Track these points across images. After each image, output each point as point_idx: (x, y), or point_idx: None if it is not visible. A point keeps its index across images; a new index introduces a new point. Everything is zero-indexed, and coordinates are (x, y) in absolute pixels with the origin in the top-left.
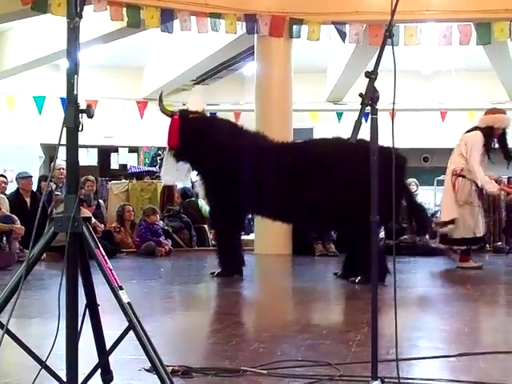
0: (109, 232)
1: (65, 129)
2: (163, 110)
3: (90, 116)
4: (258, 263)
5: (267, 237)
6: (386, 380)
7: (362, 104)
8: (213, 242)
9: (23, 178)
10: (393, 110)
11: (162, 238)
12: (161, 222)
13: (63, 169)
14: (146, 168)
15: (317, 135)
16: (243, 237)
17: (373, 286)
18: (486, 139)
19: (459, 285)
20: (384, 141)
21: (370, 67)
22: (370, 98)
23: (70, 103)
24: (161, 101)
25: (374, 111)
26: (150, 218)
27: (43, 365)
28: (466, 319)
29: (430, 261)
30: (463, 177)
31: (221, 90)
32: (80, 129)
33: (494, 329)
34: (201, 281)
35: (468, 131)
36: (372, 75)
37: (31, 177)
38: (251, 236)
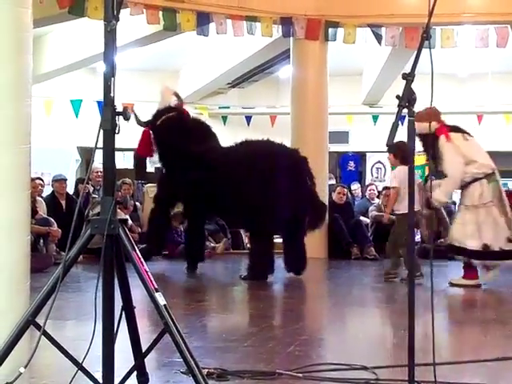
0: (144, 234)
1: (101, 131)
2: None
3: (127, 118)
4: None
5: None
6: None
7: (398, 106)
8: (248, 245)
9: (57, 180)
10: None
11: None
12: None
13: (100, 172)
14: None
15: (352, 138)
16: (279, 240)
17: (409, 290)
18: None
19: (496, 289)
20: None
21: (406, 70)
22: (407, 99)
23: (107, 105)
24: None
25: (411, 113)
26: (174, 223)
27: (79, 366)
28: (503, 324)
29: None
30: None
31: (256, 93)
32: (117, 131)
33: None
34: (236, 284)
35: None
36: (409, 77)
37: (65, 179)
38: None
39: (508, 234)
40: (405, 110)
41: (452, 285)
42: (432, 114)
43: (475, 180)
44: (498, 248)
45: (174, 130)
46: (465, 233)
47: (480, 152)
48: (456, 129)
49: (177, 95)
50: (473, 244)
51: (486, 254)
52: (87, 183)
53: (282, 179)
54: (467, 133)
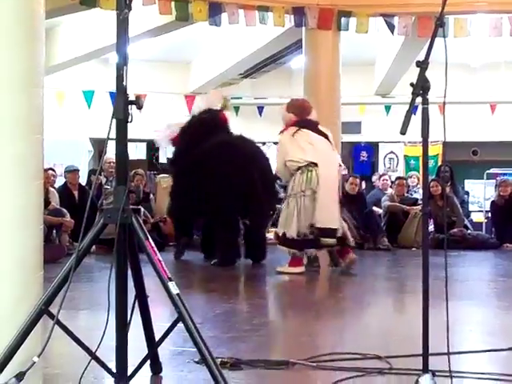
0: (157, 224)
1: (114, 120)
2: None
3: (140, 107)
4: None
5: None
6: (436, 373)
7: (413, 94)
8: None
9: (70, 171)
10: (444, 102)
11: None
12: None
13: (113, 162)
14: None
15: (365, 129)
16: None
17: (423, 279)
18: None
19: (509, 278)
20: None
21: (419, 60)
22: (421, 87)
23: (120, 94)
24: None
25: (425, 101)
26: None
27: (93, 356)
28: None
29: (480, 254)
30: None
31: (268, 83)
32: (129, 120)
33: None
34: (249, 274)
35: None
36: (423, 65)
37: (78, 170)
38: None
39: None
40: (418, 99)
41: (278, 272)
42: (297, 106)
43: (293, 173)
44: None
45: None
46: (282, 222)
47: (300, 148)
48: (301, 124)
49: (225, 103)
50: (289, 233)
51: (296, 241)
52: (99, 174)
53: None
54: (314, 129)
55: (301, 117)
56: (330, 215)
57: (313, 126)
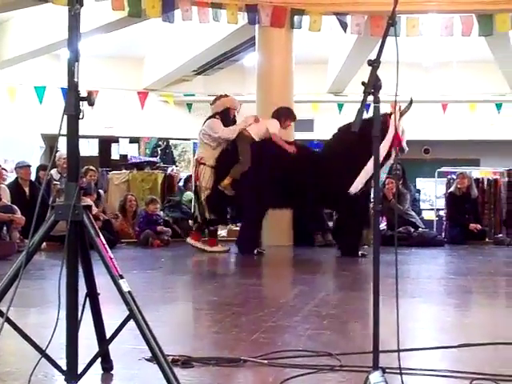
0: (108, 222)
1: (65, 117)
2: None
3: (91, 103)
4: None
5: (269, 228)
6: (387, 370)
7: (364, 92)
8: None
9: (22, 167)
10: (395, 101)
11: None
12: (161, 212)
13: None
14: (147, 158)
15: (317, 126)
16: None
17: (374, 277)
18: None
19: (459, 276)
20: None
21: (372, 58)
22: (373, 86)
23: (71, 90)
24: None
25: (377, 100)
26: (148, 208)
27: (43, 353)
28: (466, 310)
29: (430, 252)
30: (204, 164)
31: (222, 80)
32: (81, 116)
33: (494, 320)
34: (201, 271)
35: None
36: (375, 63)
37: (30, 166)
38: None
39: None
40: (370, 97)
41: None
42: None
43: None
44: None
45: None
46: None
47: None
48: None
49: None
50: None
51: None
52: (50, 170)
53: None
54: None
55: None
56: None
57: None
